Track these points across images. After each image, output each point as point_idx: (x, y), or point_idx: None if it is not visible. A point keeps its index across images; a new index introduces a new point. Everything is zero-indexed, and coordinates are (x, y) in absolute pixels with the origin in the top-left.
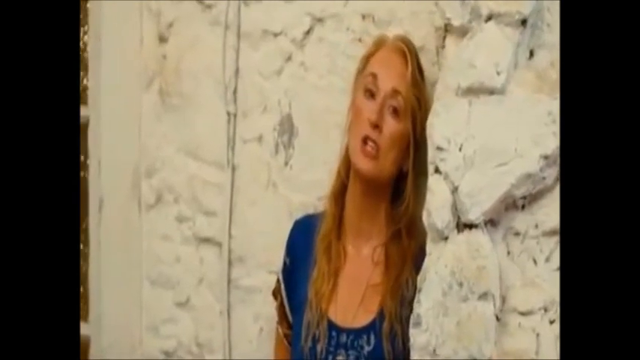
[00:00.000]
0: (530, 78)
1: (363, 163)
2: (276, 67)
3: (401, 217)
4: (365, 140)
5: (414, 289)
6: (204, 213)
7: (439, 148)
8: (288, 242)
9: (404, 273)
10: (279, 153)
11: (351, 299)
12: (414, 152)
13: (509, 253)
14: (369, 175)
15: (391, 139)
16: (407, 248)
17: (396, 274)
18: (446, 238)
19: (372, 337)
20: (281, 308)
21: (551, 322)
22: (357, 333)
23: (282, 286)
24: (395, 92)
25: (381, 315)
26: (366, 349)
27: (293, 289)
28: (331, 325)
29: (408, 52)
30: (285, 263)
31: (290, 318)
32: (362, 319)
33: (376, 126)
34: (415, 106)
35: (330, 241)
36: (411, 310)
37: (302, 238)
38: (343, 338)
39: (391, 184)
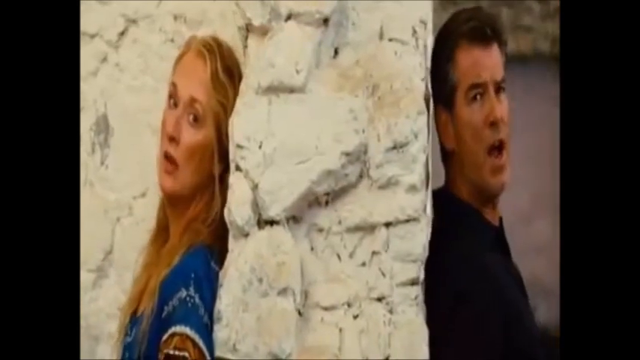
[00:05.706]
0: (333, 76)
1: (162, 180)
2: (92, 68)
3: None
4: (166, 156)
5: None
6: None
7: (239, 146)
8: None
9: None
10: (95, 152)
11: None
12: (221, 157)
13: (312, 248)
14: (169, 191)
15: (189, 150)
16: None
17: None
18: (247, 235)
19: None
20: None
21: (355, 317)
22: None
23: None
24: (193, 100)
25: None
26: None
27: None
28: None
29: (208, 55)
30: None
31: None
32: None
33: (172, 139)
34: (219, 111)
35: None
36: None
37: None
38: None
39: (199, 193)
